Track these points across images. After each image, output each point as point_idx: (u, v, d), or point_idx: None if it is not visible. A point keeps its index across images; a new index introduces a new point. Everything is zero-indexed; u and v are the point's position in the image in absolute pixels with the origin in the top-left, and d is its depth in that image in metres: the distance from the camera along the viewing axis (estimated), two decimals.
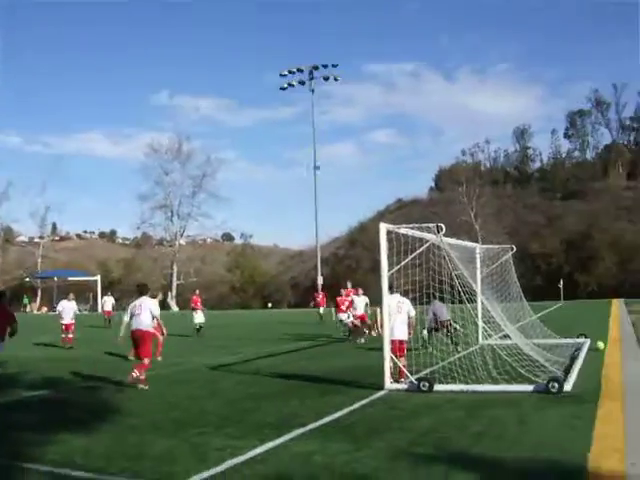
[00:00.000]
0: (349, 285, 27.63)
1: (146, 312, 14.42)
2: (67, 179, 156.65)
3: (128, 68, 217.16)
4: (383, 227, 13.37)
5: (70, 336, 25.53)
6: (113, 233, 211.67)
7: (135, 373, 13.97)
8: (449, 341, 19.13)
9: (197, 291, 32.83)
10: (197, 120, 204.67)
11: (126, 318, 14.64)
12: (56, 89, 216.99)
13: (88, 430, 9.73)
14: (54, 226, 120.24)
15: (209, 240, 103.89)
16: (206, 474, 7.26)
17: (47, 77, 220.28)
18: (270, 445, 8.51)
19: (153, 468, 7.55)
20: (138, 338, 14.44)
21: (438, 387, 12.58)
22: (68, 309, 26.42)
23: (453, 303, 15.81)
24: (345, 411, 10.86)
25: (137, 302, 14.70)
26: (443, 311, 19.35)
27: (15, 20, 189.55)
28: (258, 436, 9.00)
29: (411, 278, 14.66)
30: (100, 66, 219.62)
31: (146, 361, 14.34)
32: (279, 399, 12.20)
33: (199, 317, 30.14)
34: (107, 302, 44.36)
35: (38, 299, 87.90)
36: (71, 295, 28.14)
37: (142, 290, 15.13)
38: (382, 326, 13.70)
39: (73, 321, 26.17)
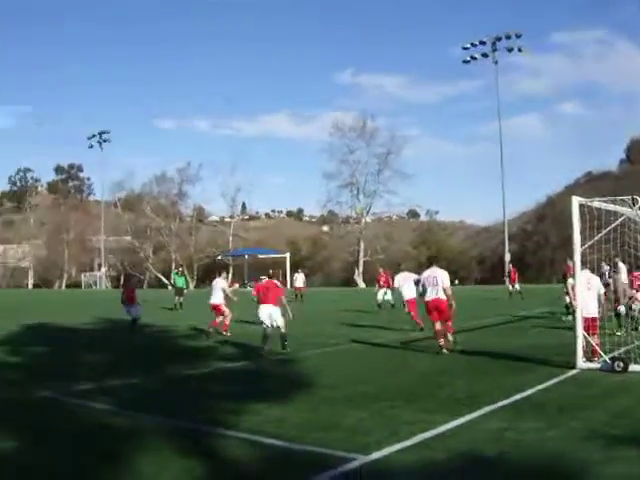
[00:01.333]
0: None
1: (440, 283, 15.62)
2: (256, 160, 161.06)
3: (312, 49, 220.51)
4: (575, 201, 12.92)
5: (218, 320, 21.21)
6: (300, 212, 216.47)
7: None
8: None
9: (380, 269, 32.86)
10: (380, 97, 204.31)
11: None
12: (242, 74, 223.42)
13: (282, 400, 10.10)
14: (244, 206, 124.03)
15: (394, 217, 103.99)
16: (397, 446, 7.35)
17: (233, 64, 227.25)
18: (461, 421, 8.50)
19: (345, 439, 7.72)
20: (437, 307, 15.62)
21: (634, 367, 12.07)
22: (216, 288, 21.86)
23: None
24: (536, 389, 10.65)
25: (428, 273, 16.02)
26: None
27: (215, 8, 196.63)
28: (449, 411, 9.01)
29: (604, 254, 14.12)
30: (284, 49, 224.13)
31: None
32: (468, 375, 12.12)
33: (386, 294, 30.19)
34: (298, 278, 45.44)
35: (230, 276, 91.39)
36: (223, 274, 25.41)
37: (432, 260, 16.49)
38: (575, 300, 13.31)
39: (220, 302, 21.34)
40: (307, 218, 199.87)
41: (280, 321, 16.11)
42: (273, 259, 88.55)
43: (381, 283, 31.33)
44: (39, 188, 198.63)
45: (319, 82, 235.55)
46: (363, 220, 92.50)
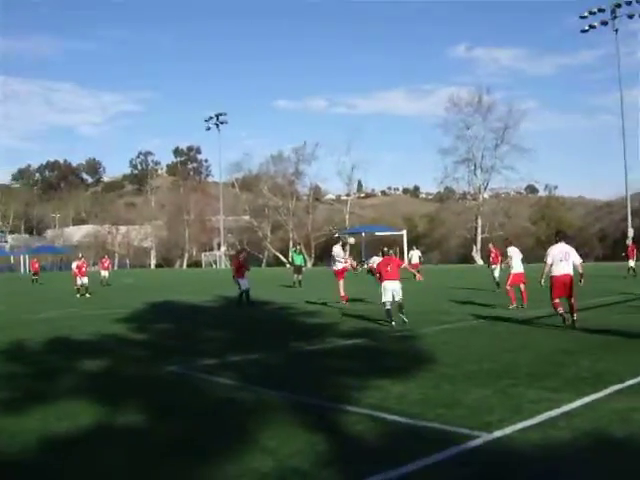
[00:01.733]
0: None
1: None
2: (371, 138, 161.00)
3: (425, 24, 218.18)
4: None
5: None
6: (416, 189, 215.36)
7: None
8: None
9: (491, 246, 32.29)
10: (496, 71, 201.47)
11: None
12: (358, 52, 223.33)
13: (403, 377, 10.08)
14: (360, 184, 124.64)
15: (512, 193, 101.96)
16: (520, 425, 7.23)
17: (349, 42, 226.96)
18: (586, 400, 8.28)
19: (468, 416, 7.65)
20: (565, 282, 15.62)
21: None
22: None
23: None
24: None
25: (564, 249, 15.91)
26: None
27: None
28: (573, 390, 8.79)
29: None
30: (398, 26, 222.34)
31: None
32: (593, 354, 11.77)
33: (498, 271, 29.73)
34: (414, 255, 45.36)
35: (347, 254, 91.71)
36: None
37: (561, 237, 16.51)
38: None
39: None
40: (423, 195, 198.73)
41: (401, 294, 16.64)
42: (390, 237, 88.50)
43: (491, 260, 30.85)
44: (159, 171, 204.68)
45: (433, 58, 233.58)
46: (480, 196, 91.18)
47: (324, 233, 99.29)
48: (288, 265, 67.29)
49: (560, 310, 15.53)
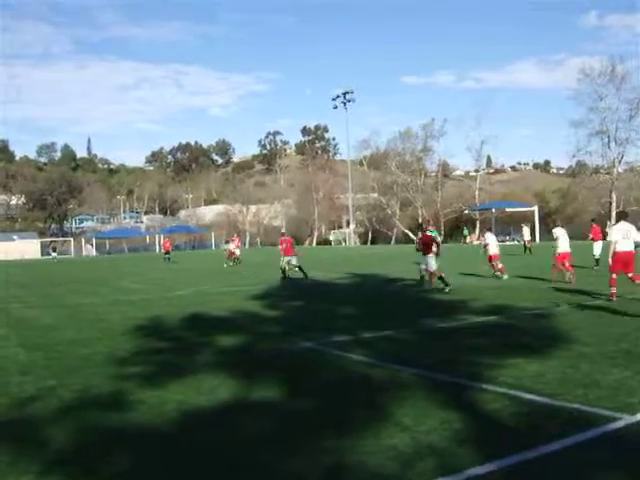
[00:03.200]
0: None
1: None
2: (500, 112, 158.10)
3: None
4: None
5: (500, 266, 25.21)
6: (547, 163, 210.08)
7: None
8: None
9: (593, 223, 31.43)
10: (629, 39, 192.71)
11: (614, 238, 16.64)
12: (483, 23, 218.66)
13: (539, 355, 9.92)
14: (489, 159, 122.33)
15: None
16: None
17: (476, 14, 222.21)
18: None
19: (609, 397, 7.46)
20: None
21: None
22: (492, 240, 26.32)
23: None
24: None
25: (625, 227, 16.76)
26: None
27: None
28: None
29: None
30: None
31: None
32: None
33: (598, 249, 28.98)
34: (525, 231, 45.97)
35: (477, 230, 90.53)
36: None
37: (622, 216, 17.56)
38: None
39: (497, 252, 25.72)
40: (554, 170, 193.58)
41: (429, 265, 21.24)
42: (521, 212, 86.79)
43: (591, 237, 30.18)
44: (287, 150, 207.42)
45: (564, 27, 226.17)
46: (615, 170, 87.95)
47: (453, 209, 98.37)
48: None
49: (613, 289, 16.48)
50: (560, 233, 23.04)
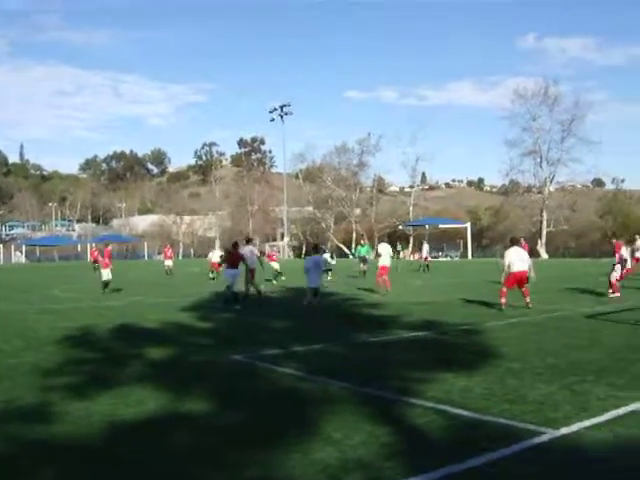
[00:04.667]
0: None
1: None
2: (437, 129, 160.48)
3: (494, 13, 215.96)
4: None
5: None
6: (481, 181, 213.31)
7: None
8: None
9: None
10: (564, 62, 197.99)
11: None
12: (429, 44, 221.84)
13: (467, 370, 10.03)
14: (424, 176, 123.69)
15: (579, 186, 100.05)
16: (587, 423, 7.14)
17: (419, 33, 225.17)
18: None
19: (533, 412, 7.59)
20: None
21: None
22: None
23: None
24: None
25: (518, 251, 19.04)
26: None
27: None
28: None
29: None
30: (469, 17, 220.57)
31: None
32: None
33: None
34: (425, 249, 48.02)
35: (410, 246, 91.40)
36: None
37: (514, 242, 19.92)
38: None
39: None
40: (488, 188, 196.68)
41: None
42: (453, 229, 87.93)
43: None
44: (223, 161, 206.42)
45: (502, 48, 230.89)
46: (546, 189, 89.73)
47: (387, 225, 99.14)
48: (351, 257, 67.44)
49: (504, 300, 18.55)
50: (382, 248, 26.00)
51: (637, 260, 31.67)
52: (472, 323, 15.83)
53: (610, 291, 22.18)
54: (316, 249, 21.47)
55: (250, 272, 23.58)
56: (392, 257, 27.45)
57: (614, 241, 24.30)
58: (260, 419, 7.70)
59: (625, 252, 24.36)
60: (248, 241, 26.66)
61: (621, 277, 23.17)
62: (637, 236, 32.74)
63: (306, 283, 20.06)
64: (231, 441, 6.87)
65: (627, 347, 12.10)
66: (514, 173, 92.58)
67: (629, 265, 24.29)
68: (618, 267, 22.48)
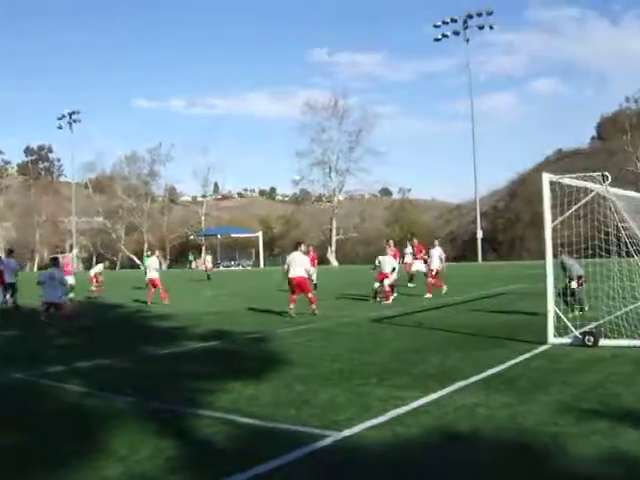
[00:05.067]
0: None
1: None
2: (228, 139, 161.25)
3: (288, 27, 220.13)
4: (546, 177, 13.00)
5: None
6: (273, 190, 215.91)
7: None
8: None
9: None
10: (356, 76, 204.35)
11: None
12: (219, 52, 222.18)
13: (255, 379, 10.09)
14: (216, 185, 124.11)
15: (367, 195, 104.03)
16: (369, 423, 7.39)
17: (210, 41, 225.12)
18: (433, 397, 8.57)
19: (318, 416, 7.76)
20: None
21: (603, 342, 12.21)
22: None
23: (620, 256, 14.98)
24: (508, 364, 10.76)
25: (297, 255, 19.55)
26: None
27: None
28: (421, 387, 9.09)
29: (575, 230, 14.25)
30: (261, 27, 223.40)
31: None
32: (441, 352, 12.19)
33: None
34: (207, 259, 51.41)
35: (202, 256, 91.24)
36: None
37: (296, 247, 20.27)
38: None
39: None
40: (280, 197, 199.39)
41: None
42: (245, 238, 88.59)
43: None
44: (9, 170, 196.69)
45: (295, 60, 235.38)
46: (335, 198, 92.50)
47: (179, 235, 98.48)
48: (142, 267, 66.32)
49: (292, 307, 18.88)
50: (151, 261, 27.41)
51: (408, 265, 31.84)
52: (261, 331, 15.98)
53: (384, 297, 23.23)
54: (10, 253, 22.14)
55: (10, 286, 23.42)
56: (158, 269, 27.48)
57: (415, 242, 26.76)
58: (42, 439, 7.35)
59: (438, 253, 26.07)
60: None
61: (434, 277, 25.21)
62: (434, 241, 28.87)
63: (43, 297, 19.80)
64: (9, 465, 6.50)
65: (409, 349, 12.67)
66: (304, 183, 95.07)
67: (433, 266, 25.27)
68: (395, 273, 23.53)
